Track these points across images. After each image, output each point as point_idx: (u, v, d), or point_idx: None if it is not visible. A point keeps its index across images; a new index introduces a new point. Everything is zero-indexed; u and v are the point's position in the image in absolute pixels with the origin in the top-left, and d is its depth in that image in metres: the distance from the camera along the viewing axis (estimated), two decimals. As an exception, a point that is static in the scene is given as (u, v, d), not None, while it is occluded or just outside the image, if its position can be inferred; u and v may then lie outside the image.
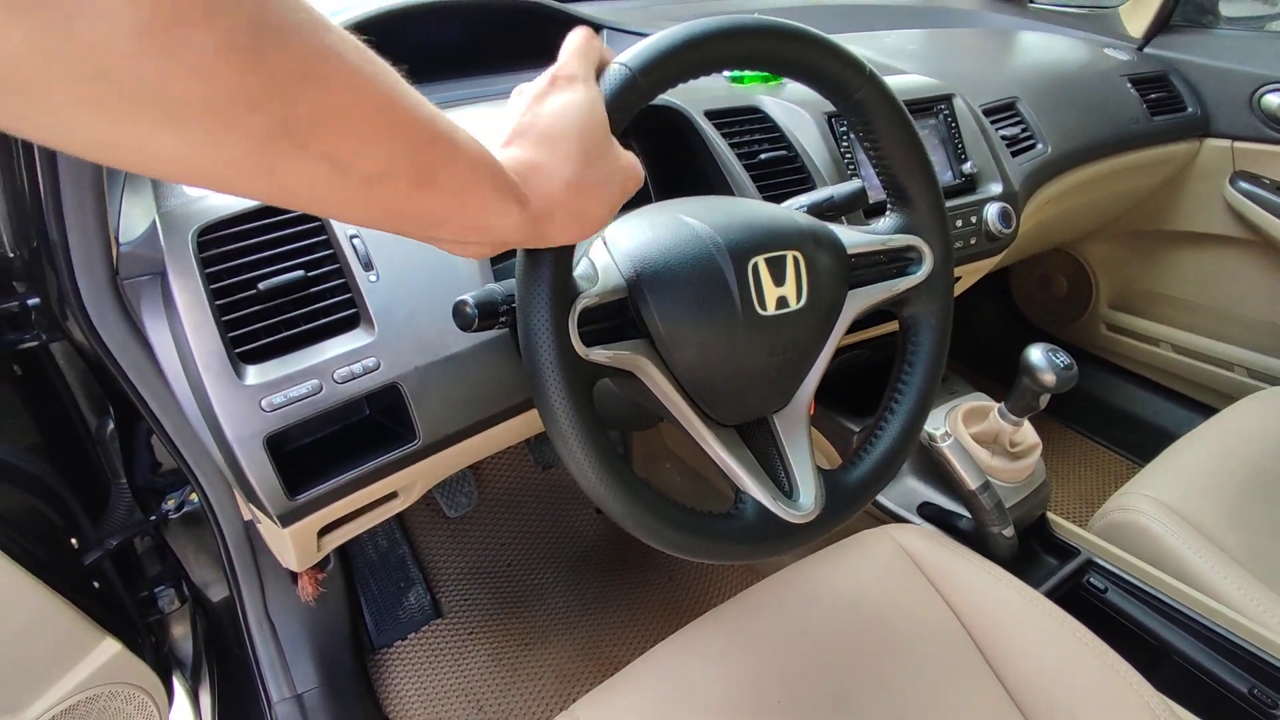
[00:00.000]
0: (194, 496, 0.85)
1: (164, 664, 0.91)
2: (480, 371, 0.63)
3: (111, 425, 0.83)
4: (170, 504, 0.85)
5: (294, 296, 0.59)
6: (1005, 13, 1.51)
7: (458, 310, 0.52)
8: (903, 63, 1.10)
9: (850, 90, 0.56)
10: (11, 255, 0.68)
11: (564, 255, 0.47)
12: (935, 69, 1.09)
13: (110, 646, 0.80)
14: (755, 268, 0.53)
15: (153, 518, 0.85)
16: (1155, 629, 0.86)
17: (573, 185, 0.39)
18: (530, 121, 0.39)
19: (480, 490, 1.37)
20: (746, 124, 0.86)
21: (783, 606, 0.75)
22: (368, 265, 0.61)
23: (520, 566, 1.30)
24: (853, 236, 0.61)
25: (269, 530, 0.65)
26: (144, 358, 0.64)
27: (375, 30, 0.84)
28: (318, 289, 0.60)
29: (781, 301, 0.54)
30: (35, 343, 0.74)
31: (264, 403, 0.54)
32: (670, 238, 0.54)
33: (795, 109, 0.90)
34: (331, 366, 0.57)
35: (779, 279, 0.54)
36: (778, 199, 0.81)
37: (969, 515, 0.89)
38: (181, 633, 1.01)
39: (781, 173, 0.84)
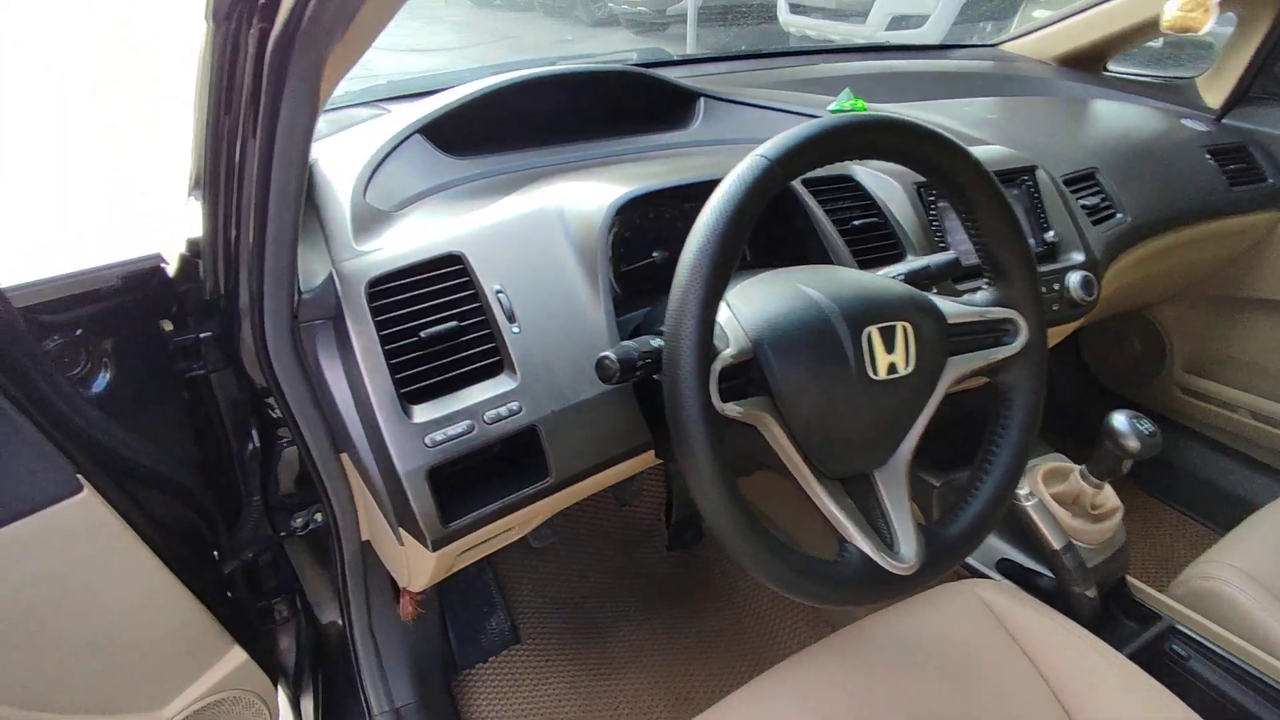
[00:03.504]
0: (319, 516, 0.93)
1: (272, 673, 0.98)
2: (604, 418, 0.70)
3: (252, 448, 0.92)
4: (298, 521, 0.93)
5: (449, 344, 0.66)
6: (1080, 80, 1.55)
7: (601, 364, 0.59)
8: (982, 132, 1.15)
9: (956, 177, 0.62)
10: (207, 300, 0.78)
11: (709, 318, 0.53)
12: (1015, 139, 1.13)
13: (238, 654, 0.87)
14: (869, 336, 0.59)
15: (282, 534, 0.93)
16: (1241, 700, 0.86)
17: None
18: None
19: (562, 524, 1.43)
20: (840, 192, 0.92)
21: (867, 655, 0.78)
22: (511, 317, 0.68)
23: (596, 598, 1.35)
24: (951, 307, 0.66)
25: (411, 553, 0.71)
26: (305, 391, 0.72)
27: (491, 101, 0.93)
28: (468, 338, 0.67)
29: (891, 368, 0.59)
30: (202, 372, 0.83)
31: (427, 439, 0.62)
32: (790, 305, 0.60)
33: (885, 178, 0.95)
34: (482, 409, 0.64)
35: (889, 346, 0.60)
36: (870, 264, 0.87)
37: (1049, 574, 0.91)
38: (287, 644, 1.08)
39: (874, 239, 0.89)
